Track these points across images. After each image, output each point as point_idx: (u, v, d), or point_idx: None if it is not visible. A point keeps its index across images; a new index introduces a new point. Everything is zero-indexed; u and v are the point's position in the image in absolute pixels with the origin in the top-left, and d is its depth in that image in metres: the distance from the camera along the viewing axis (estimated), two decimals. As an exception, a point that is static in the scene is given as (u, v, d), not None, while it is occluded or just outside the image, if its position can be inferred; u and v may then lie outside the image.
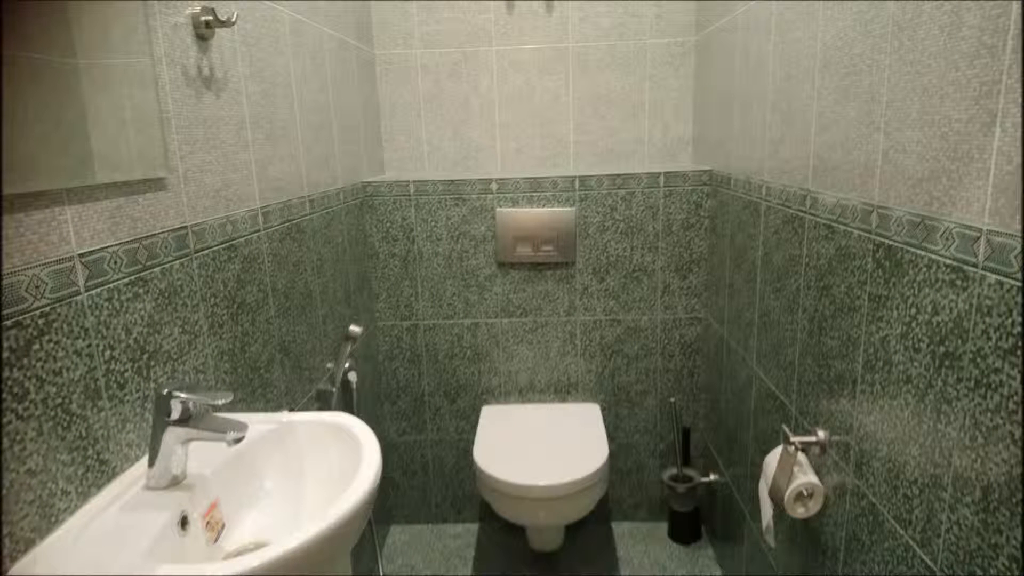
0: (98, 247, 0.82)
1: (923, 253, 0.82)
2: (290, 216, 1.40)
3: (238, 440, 0.83)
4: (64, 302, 0.76)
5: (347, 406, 1.72)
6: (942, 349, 0.78)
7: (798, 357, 1.25)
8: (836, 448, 1.10)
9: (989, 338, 0.70)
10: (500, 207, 1.98)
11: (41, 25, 0.71)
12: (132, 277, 0.88)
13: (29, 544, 0.70)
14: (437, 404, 2.16)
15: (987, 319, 0.70)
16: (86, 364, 0.79)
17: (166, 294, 0.96)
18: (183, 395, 0.82)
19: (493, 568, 2.02)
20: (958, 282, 0.75)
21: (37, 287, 0.72)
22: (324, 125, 1.62)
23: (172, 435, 0.82)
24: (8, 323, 0.68)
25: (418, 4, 2.07)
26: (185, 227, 1.01)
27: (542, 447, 1.81)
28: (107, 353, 0.83)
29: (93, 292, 0.81)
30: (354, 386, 1.70)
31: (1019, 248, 0.65)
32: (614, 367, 2.09)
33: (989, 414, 0.70)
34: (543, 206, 1.98)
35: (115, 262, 0.85)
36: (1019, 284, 0.65)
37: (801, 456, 1.19)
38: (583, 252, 2.01)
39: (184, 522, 0.82)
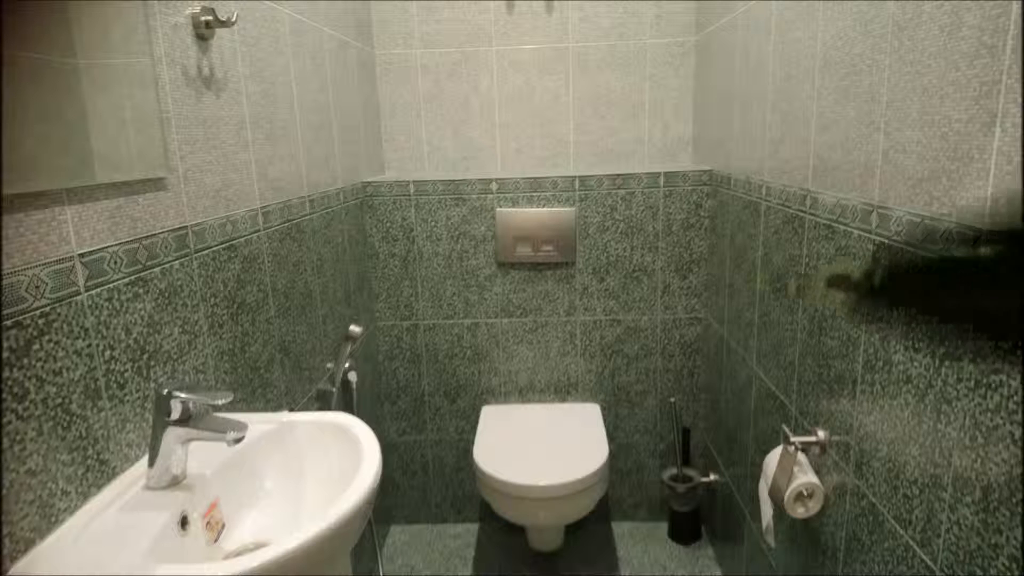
0: (98, 247, 0.82)
1: (923, 253, 0.82)
2: (290, 216, 1.40)
3: (238, 440, 0.83)
4: (64, 302, 0.76)
5: (347, 406, 1.72)
6: (942, 349, 0.78)
7: (798, 357, 1.25)
8: (836, 448, 1.10)
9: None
10: (500, 207, 1.98)
11: (41, 25, 0.71)
12: (132, 277, 0.88)
13: (29, 544, 0.70)
14: (437, 404, 2.16)
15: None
16: (86, 364, 0.79)
17: (166, 294, 0.96)
18: (183, 395, 0.82)
19: (493, 568, 2.02)
20: (958, 282, 0.75)
21: (37, 287, 0.72)
22: (324, 125, 1.62)
23: (172, 435, 0.82)
24: (8, 323, 0.68)
25: (418, 4, 2.07)
26: (185, 227, 1.01)
27: (542, 447, 1.81)
28: (107, 353, 0.83)
29: (93, 292, 0.81)
30: (354, 386, 1.70)
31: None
32: (614, 367, 2.09)
33: (989, 414, 0.70)
34: (543, 206, 1.98)
35: (115, 262, 0.85)
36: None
37: (801, 456, 1.19)
38: (583, 252, 2.01)
39: (184, 522, 0.82)
